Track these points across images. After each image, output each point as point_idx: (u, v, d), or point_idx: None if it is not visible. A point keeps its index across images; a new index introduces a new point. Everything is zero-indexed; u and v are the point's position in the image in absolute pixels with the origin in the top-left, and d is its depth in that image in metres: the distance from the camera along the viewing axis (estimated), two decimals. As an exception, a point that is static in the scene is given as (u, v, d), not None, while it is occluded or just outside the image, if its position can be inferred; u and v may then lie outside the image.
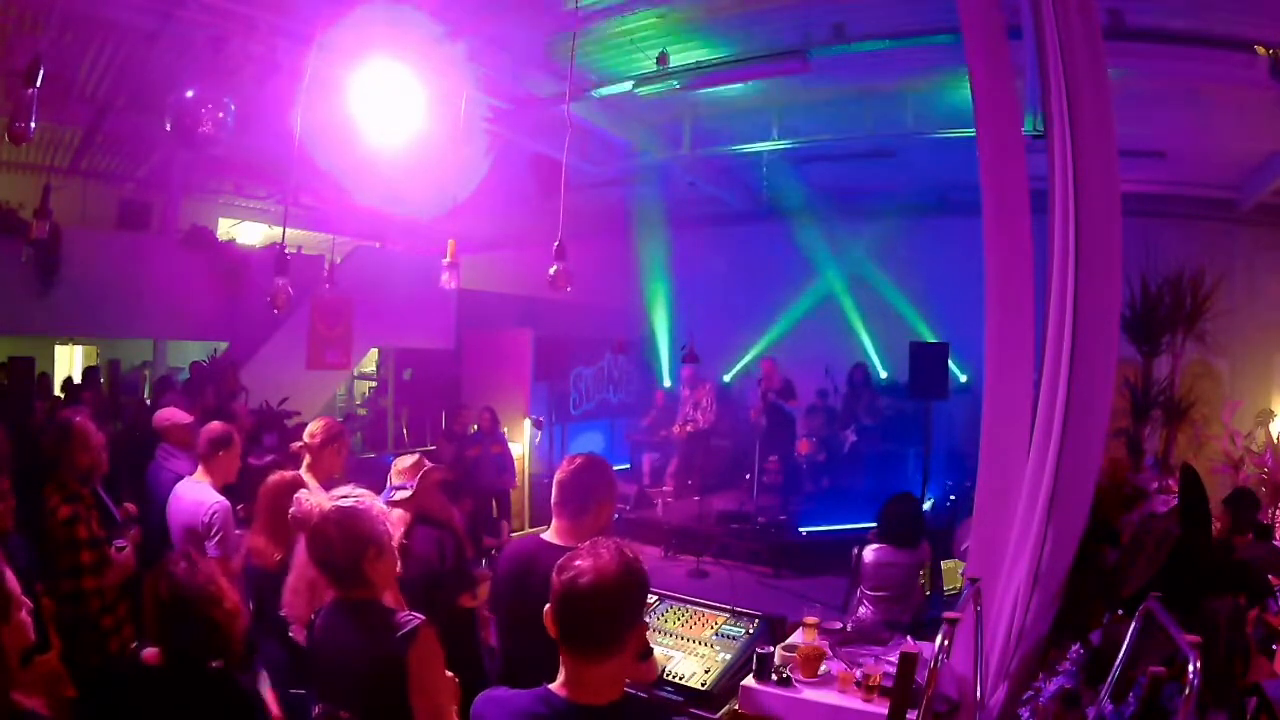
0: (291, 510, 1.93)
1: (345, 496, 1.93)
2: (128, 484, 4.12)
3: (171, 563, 2.08)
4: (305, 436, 3.44)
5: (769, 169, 9.43)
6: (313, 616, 1.97)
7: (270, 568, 2.83)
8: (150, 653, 2.02)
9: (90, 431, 3.14)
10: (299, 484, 2.94)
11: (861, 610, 4.01)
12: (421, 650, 1.73)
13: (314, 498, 1.93)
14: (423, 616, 1.81)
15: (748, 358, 11.45)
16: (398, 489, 3.01)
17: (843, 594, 4.25)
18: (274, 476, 2.99)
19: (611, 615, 1.43)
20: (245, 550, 3.07)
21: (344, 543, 1.83)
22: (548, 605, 1.45)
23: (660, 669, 2.74)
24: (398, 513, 2.85)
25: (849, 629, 3.61)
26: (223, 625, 2.01)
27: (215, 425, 3.53)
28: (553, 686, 1.47)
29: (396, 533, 2.78)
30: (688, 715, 2.87)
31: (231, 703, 1.98)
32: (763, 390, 9.10)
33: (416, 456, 3.16)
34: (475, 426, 8.06)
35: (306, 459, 3.38)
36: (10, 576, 1.83)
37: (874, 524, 4.29)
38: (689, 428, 9.44)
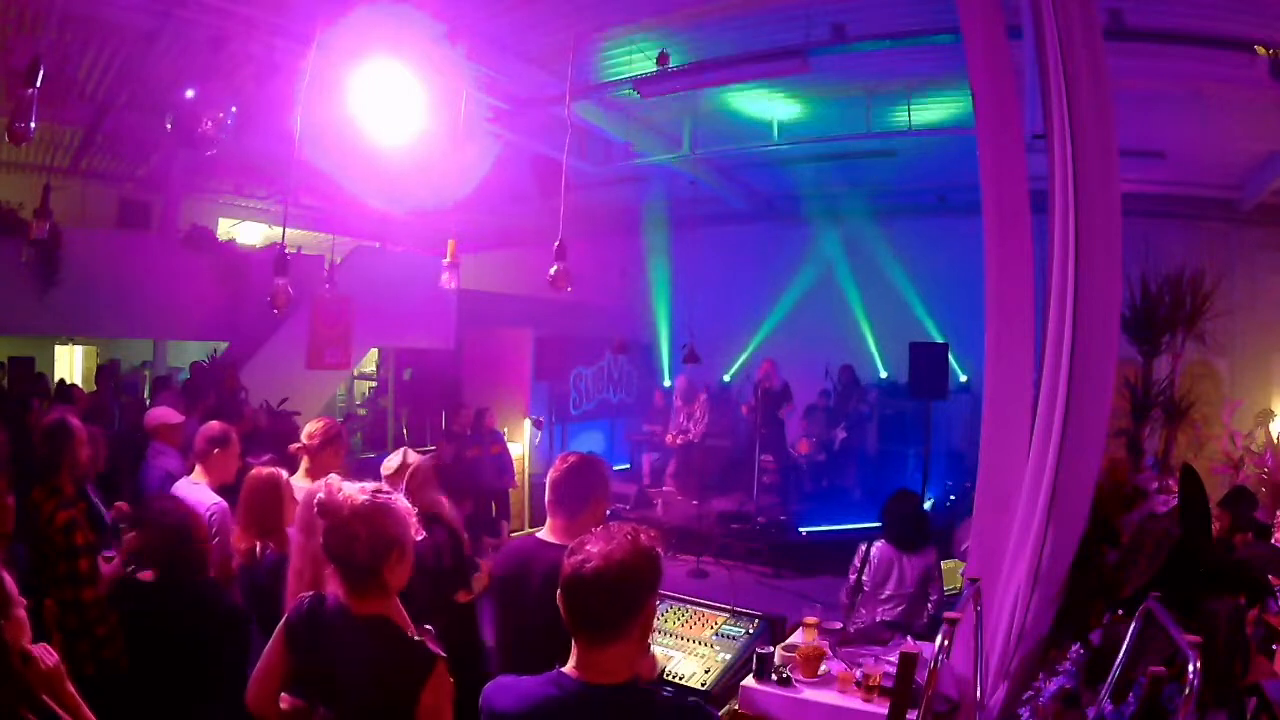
0: (319, 497, 1.82)
1: (379, 491, 1.82)
2: (127, 484, 4.13)
3: (162, 504, 2.71)
4: (303, 438, 3.41)
5: (769, 169, 9.43)
6: (305, 610, 1.85)
7: (240, 559, 2.84)
8: (146, 574, 2.61)
9: (83, 430, 3.13)
10: (278, 480, 2.91)
11: (862, 611, 3.99)
12: (436, 684, 1.67)
13: (346, 488, 1.85)
14: (440, 653, 1.73)
15: (745, 354, 11.45)
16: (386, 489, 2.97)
17: (841, 593, 4.21)
18: (253, 472, 2.96)
19: (615, 601, 1.45)
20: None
21: (370, 542, 1.74)
22: (558, 590, 1.48)
23: (660, 668, 2.73)
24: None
25: (849, 629, 3.61)
26: (200, 549, 2.62)
27: (214, 424, 3.51)
28: (564, 669, 1.50)
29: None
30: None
31: (219, 607, 2.55)
32: (758, 386, 9.12)
33: (401, 457, 3.10)
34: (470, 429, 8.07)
35: (305, 461, 3.37)
36: (8, 576, 1.83)
37: (874, 524, 4.28)
38: (680, 439, 9.44)
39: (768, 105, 7.51)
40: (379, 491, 1.83)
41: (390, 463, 3.11)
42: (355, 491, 1.81)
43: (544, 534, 2.37)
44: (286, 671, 1.84)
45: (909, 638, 3.30)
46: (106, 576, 2.97)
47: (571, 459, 2.39)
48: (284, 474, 3.01)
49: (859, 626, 3.78)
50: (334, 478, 1.95)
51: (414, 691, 1.65)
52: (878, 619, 3.86)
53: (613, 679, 1.48)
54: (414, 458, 3.20)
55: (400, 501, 1.85)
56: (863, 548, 4.12)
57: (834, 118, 7.57)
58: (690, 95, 6.87)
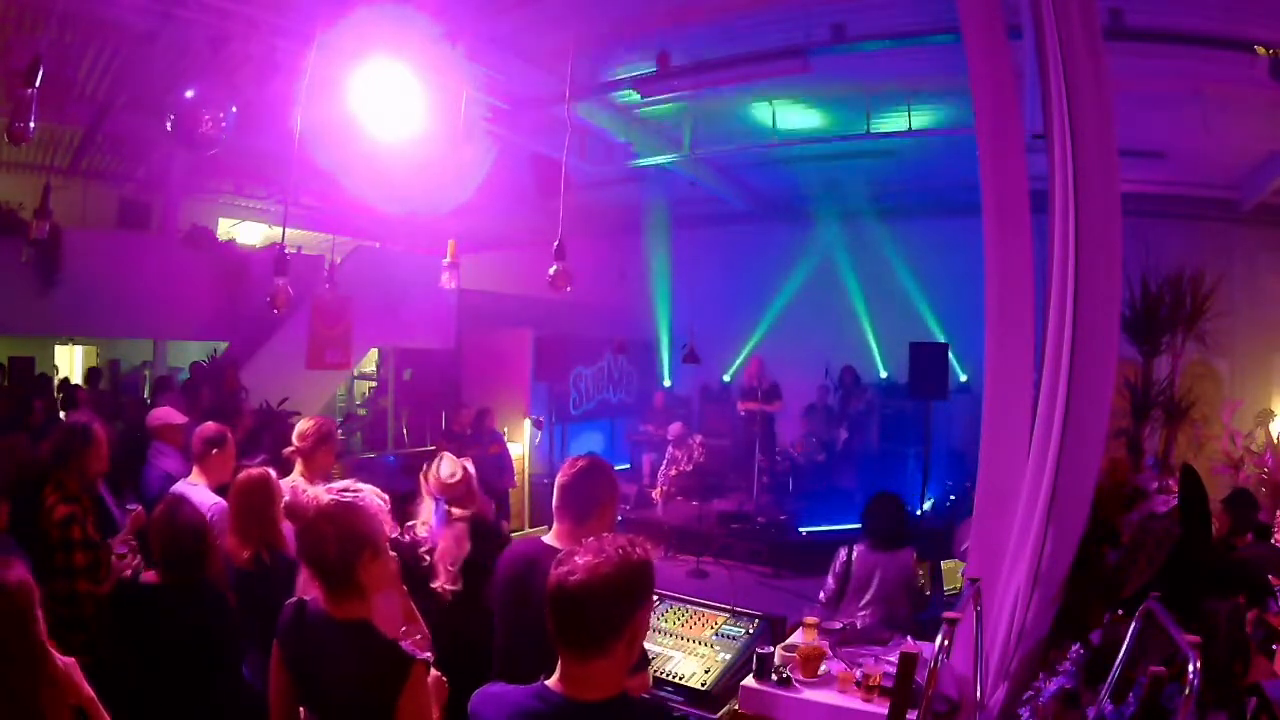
0: (285, 500, 1.82)
1: (345, 490, 1.79)
2: (128, 484, 4.13)
3: (175, 508, 2.64)
4: (295, 439, 3.38)
5: (769, 169, 9.44)
6: (290, 617, 1.84)
7: (243, 566, 2.80)
8: (149, 575, 2.61)
9: (104, 440, 3.14)
10: (268, 480, 2.90)
11: (843, 614, 3.94)
12: (414, 687, 1.66)
13: (311, 489, 1.84)
14: (419, 651, 1.72)
15: (744, 354, 11.44)
16: (449, 501, 2.95)
17: (820, 594, 4.17)
18: (243, 474, 2.93)
19: (601, 615, 1.42)
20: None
21: (339, 542, 1.71)
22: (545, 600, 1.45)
23: (650, 681, 2.71)
24: (455, 528, 2.87)
25: (846, 629, 3.61)
26: (210, 551, 2.63)
27: (210, 424, 3.50)
28: (549, 682, 1.47)
29: (461, 549, 2.81)
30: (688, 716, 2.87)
31: (216, 610, 2.56)
32: (755, 388, 9.12)
33: (460, 469, 3.03)
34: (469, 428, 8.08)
35: (299, 464, 3.35)
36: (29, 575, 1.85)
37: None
38: (670, 480, 9.17)
39: (767, 106, 7.52)
40: (346, 490, 1.80)
41: (448, 471, 3.02)
42: (322, 492, 1.79)
43: (549, 538, 2.34)
44: (289, 683, 1.82)
45: (909, 638, 3.30)
46: (117, 573, 2.98)
47: (581, 464, 2.35)
48: (272, 473, 2.99)
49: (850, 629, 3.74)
50: (300, 481, 1.94)
51: (392, 695, 1.63)
52: (858, 624, 3.82)
53: (597, 694, 1.44)
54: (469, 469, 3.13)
55: (369, 500, 1.81)
56: (842, 553, 4.05)
57: (834, 118, 7.57)
58: (690, 95, 6.87)
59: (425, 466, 3.09)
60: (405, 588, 2.50)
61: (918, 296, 10.26)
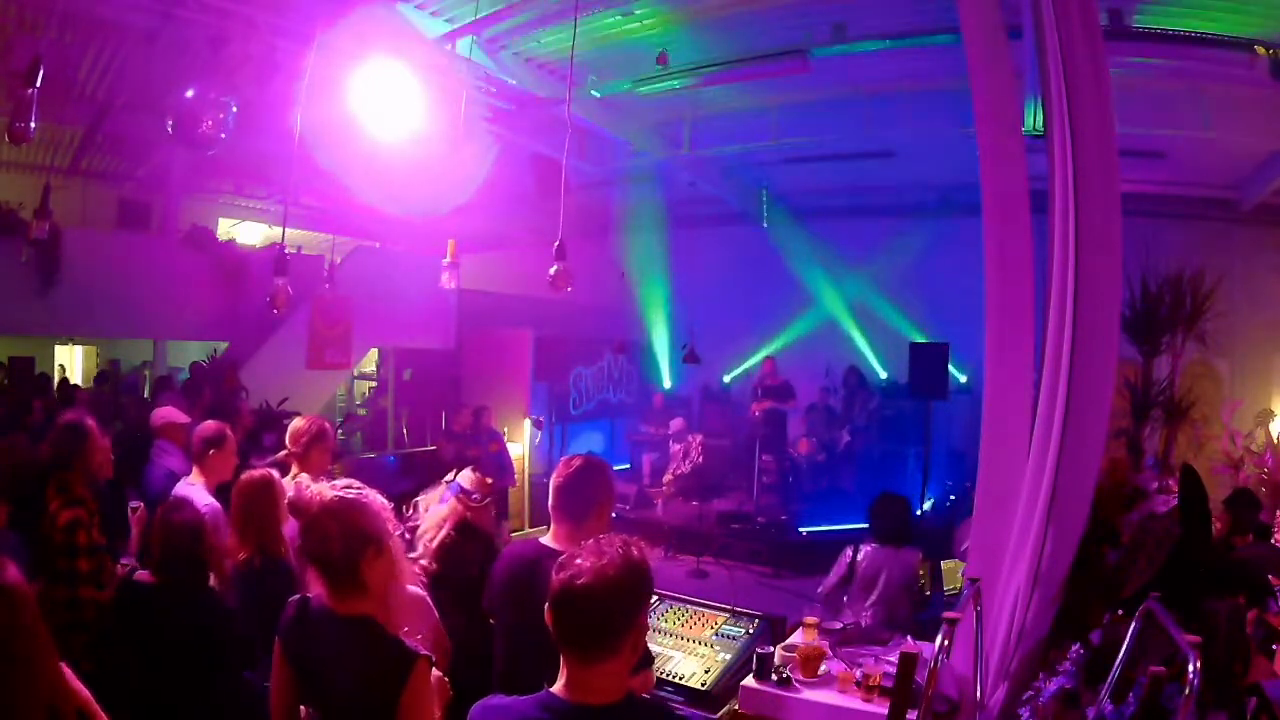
0: (289, 497, 1.81)
1: (348, 487, 1.79)
2: (129, 484, 4.13)
3: (174, 508, 2.67)
4: (289, 442, 3.36)
5: (769, 169, 9.44)
6: (293, 614, 1.84)
7: (236, 567, 2.79)
8: (143, 574, 2.61)
9: (99, 432, 3.13)
10: (270, 483, 2.88)
11: (848, 614, 3.96)
12: (417, 683, 1.65)
13: (315, 485, 1.84)
14: (422, 649, 1.71)
15: (750, 362, 11.43)
16: (470, 492, 2.96)
17: (820, 591, 4.18)
18: (245, 475, 2.91)
19: (608, 617, 1.41)
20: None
21: (343, 539, 1.71)
22: (546, 605, 1.44)
23: (653, 680, 2.72)
24: (450, 505, 2.90)
25: (847, 629, 3.60)
26: (208, 553, 2.63)
27: (208, 424, 3.47)
28: (554, 689, 1.46)
29: (445, 530, 2.82)
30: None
31: (213, 611, 2.56)
32: (760, 385, 9.12)
33: (488, 483, 3.09)
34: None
35: (295, 466, 3.33)
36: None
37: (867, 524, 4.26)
38: (672, 480, 9.33)
39: (768, 105, 7.51)
40: (350, 487, 1.79)
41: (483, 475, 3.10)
42: (326, 488, 1.79)
43: (547, 539, 2.32)
44: (290, 680, 1.81)
45: (909, 637, 3.30)
46: (120, 577, 2.97)
47: (576, 463, 2.33)
48: (276, 474, 2.98)
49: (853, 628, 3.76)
50: (304, 477, 1.92)
51: (395, 691, 1.63)
52: (863, 622, 3.83)
53: (605, 698, 1.43)
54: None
55: (374, 498, 1.81)
56: (849, 552, 4.07)
57: (833, 117, 7.57)
58: (690, 95, 6.88)
59: (458, 469, 3.11)
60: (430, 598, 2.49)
61: (918, 296, 10.26)
